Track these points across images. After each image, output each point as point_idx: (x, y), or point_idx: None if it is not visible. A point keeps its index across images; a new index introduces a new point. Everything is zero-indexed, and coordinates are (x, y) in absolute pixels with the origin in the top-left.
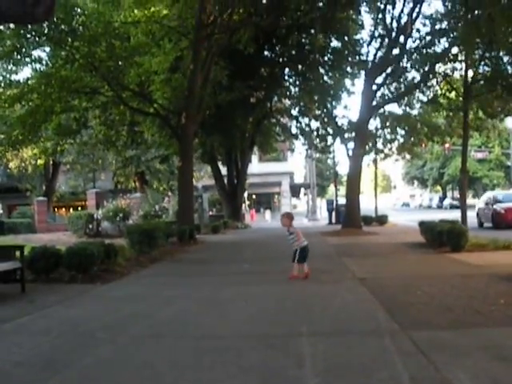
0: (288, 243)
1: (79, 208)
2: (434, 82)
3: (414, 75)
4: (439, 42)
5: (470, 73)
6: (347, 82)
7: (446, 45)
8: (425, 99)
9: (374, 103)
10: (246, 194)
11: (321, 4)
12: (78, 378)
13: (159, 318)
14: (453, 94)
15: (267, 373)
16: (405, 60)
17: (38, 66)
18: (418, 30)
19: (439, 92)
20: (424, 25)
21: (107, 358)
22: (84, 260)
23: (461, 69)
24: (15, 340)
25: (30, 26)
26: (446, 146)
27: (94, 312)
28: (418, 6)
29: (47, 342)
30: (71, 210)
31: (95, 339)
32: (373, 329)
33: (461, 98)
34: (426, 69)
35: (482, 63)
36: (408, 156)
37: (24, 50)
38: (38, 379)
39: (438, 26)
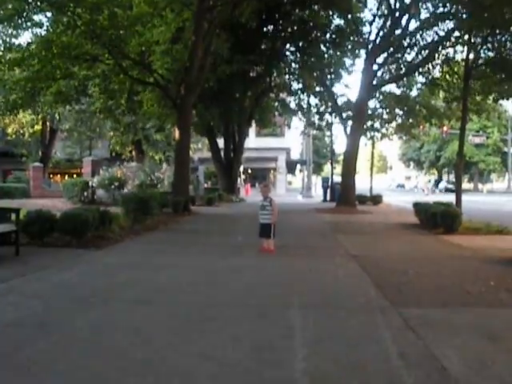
0: (261, 211)
1: (75, 175)
2: (435, 63)
3: (414, 56)
4: (441, 23)
5: (471, 56)
6: (348, 60)
7: (449, 27)
8: (424, 81)
9: (374, 83)
10: (241, 168)
11: None
12: (69, 339)
13: (151, 285)
14: (453, 77)
15: (258, 342)
16: (407, 41)
17: (38, 30)
18: (421, 12)
19: (439, 74)
20: (427, 9)
21: (99, 321)
22: (78, 225)
23: (462, 51)
24: (9, 300)
25: None
26: (444, 129)
27: (87, 277)
28: None
29: (40, 303)
30: (67, 176)
31: (87, 303)
32: (363, 304)
33: (459, 81)
34: (427, 51)
35: (484, 47)
36: (405, 137)
37: (25, 14)
38: (30, 339)
39: (440, 9)
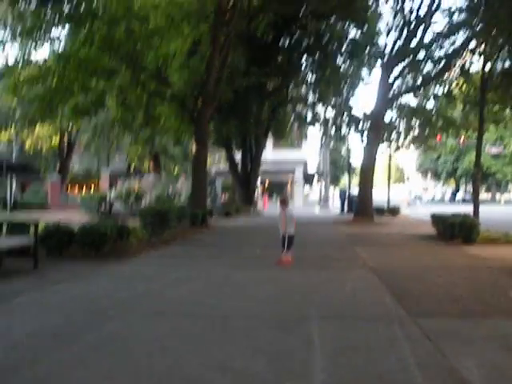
0: (279, 224)
1: (92, 188)
2: (450, 75)
3: (430, 68)
4: (457, 34)
5: (487, 67)
6: (364, 72)
7: (464, 38)
8: (441, 92)
9: (391, 94)
10: (259, 181)
11: None
12: (87, 351)
13: (169, 298)
14: (469, 88)
15: (275, 353)
16: (422, 52)
17: (56, 45)
18: (436, 23)
19: (455, 85)
20: (446, 18)
21: (117, 333)
22: (97, 239)
23: (478, 61)
24: (28, 312)
25: (50, 6)
26: (461, 139)
27: (105, 289)
28: None
29: (59, 315)
30: (84, 189)
31: (105, 315)
32: (381, 315)
33: (476, 91)
34: (444, 62)
35: (500, 57)
36: (422, 147)
37: (43, 28)
38: (48, 350)
39: (456, 19)
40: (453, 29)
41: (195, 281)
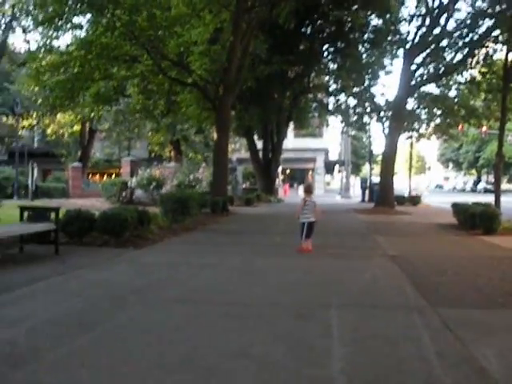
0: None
1: (113, 175)
2: (473, 63)
3: (453, 56)
4: (481, 22)
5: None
6: (386, 60)
7: (487, 26)
8: (463, 80)
9: (413, 83)
10: (280, 169)
11: None
12: (107, 337)
13: (190, 285)
14: (491, 76)
15: (294, 341)
16: (445, 40)
17: (78, 32)
18: (459, 10)
19: (478, 74)
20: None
21: (137, 320)
22: (117, 225)
23: (501, 50)
24: (48, 298)
25: None
26: (483, 129)
27: (126, 276)
28: None
29: (79, 301)
30: (105, 176)
31: (126, 302)
32: (401, 304)
33: (498, 80)
34: (466, 50)
35: None
36: (444, 137)
37: (65, 16)
38: (69, 336)
39: (479, 5)
40: (476, 17)
41: (216, 268)
